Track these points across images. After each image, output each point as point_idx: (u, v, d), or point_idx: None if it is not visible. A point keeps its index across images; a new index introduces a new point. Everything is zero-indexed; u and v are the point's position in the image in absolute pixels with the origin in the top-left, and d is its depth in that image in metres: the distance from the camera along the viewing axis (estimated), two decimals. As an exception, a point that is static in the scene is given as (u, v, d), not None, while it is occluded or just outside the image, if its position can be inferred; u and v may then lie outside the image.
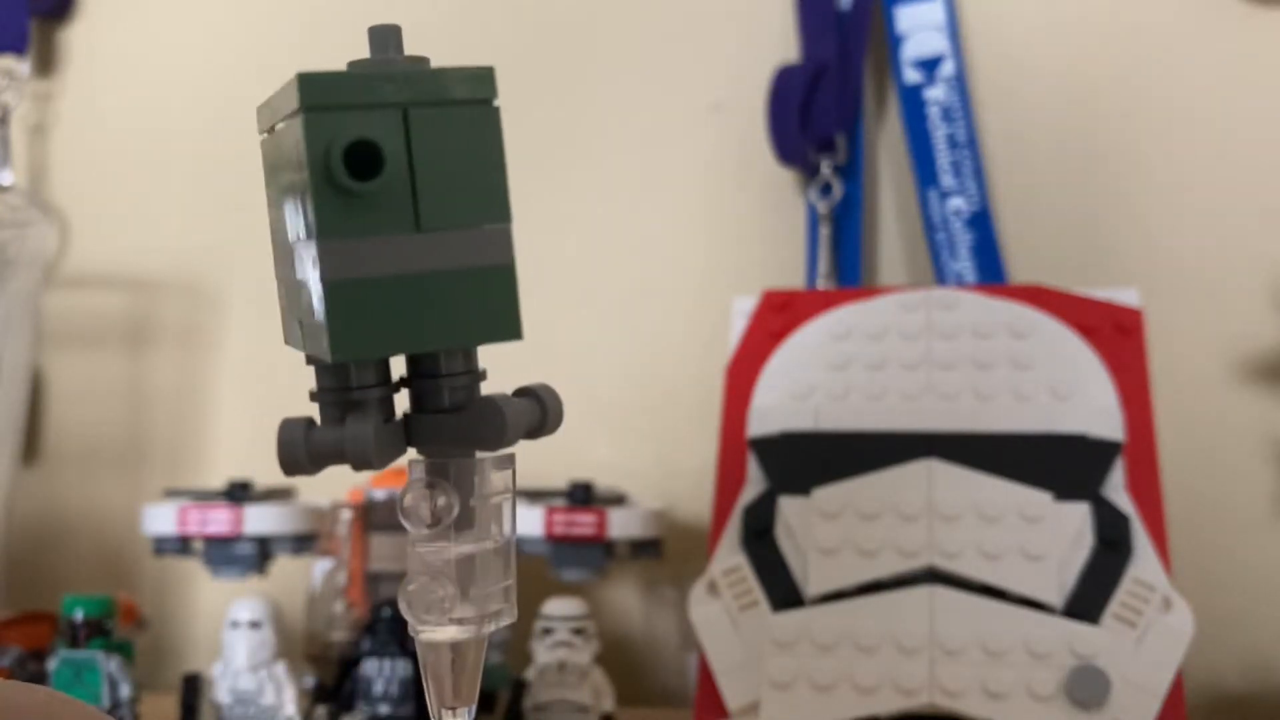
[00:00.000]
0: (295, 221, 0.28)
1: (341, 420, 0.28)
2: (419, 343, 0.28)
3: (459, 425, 0.29)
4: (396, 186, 0.27)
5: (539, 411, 0.30)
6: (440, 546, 0.29)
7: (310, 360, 0.29)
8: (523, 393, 0.30)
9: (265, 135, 0.30)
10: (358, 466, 0.28)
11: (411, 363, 0.30)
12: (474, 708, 0.30)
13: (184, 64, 0.78)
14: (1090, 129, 0.67)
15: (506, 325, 0.28)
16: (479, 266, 0.28)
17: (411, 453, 0.30)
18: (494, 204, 0.28)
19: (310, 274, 0.27)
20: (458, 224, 0.28)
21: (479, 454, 0.30)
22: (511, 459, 0.30)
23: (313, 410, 0.29)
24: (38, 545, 0.76)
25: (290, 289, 0.30)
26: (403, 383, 0.30)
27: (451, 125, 0.27)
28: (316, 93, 0.26)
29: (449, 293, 0.28)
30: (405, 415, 0.30)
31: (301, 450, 0.28)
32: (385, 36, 0.28)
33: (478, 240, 0.28)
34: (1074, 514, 0.49)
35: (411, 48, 0.29)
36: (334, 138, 0.26)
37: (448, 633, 0.30)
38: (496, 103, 0.28)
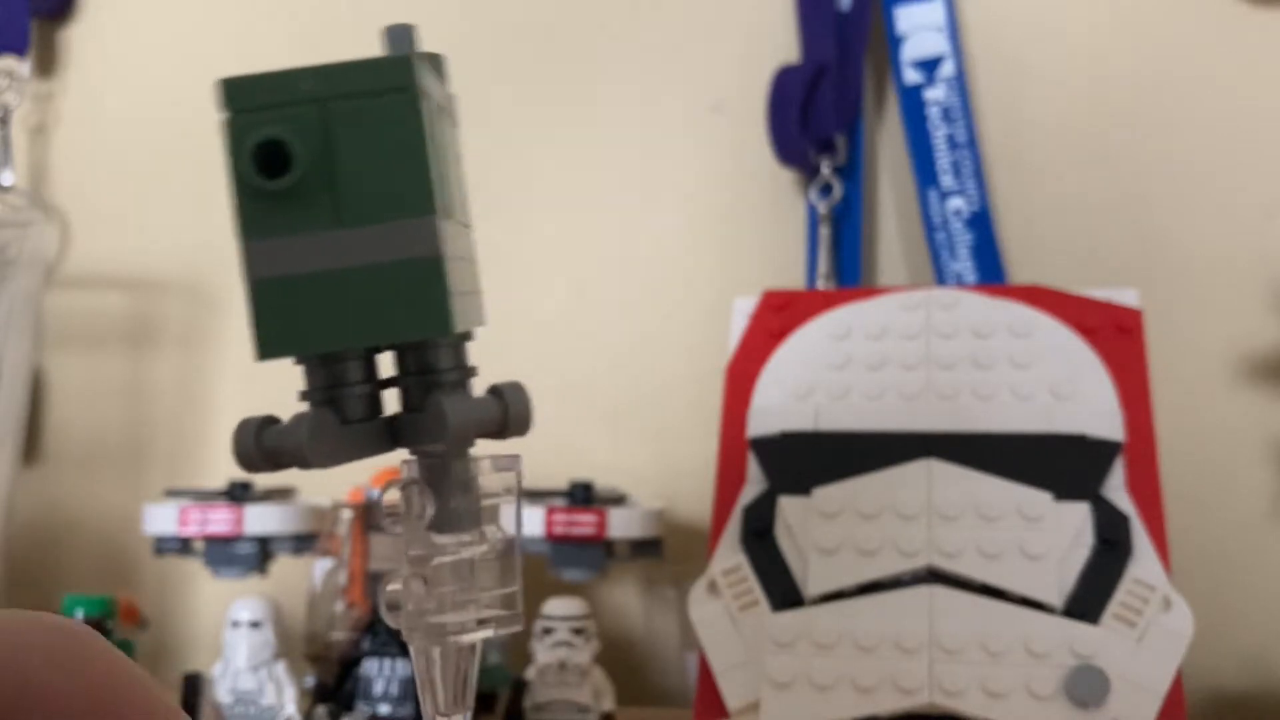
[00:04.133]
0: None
1: (332, 418, 0.28)
2: (344, 338, 0.28)
3: (416, 425, 0.29)
4: (315, 183, 0.27)
5: (499, 410, 0.29)
6: (434, 548, 0.29)
7: (298, 360, 0.29)
8: (492, 391, 0.29)
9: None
10: (299, 465, 0.28)
11: (400, 359, 0.29)
12: (469, 715, 0.30)
13: (184, 64, 0.78)
14: (1090, 129, 0.67)
15: (436, 318, 0.27)
16: (404, 259, 0.27)
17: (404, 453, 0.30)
18: (417, 196, 0.27)
19: (242, 272, 0.27)
20: (381, 218, 0.27)
21: (473, 453, 0.29)
22: (516, 460, 0.30)
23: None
24: (38, 545, 0.76)
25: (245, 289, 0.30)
26: (389, 382, 0.30)
27: (371, 117, 0.27)
28: (235, 96, 0.27)
29: (375, 287, 0.27)
30: (393, 415, 0.29)
31: (252, 448, 0.28)
32: (401, 36, 0.28)
33: (402, 233, 0.27)
34: (1074, 514, 0.49)
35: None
36: (245, 138, 0.27)
37: (444, 636, 0.29)
38: (414, 90, 0.27)
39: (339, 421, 0.28)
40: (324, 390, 0.29)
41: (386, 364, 0.30)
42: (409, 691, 0.54)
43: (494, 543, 0.30)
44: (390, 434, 0.29)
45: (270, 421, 0.29)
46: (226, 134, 0.27)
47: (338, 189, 0.27)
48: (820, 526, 0.50)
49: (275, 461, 0.28)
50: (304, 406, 0.29)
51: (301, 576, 0.61)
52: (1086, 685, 0.45)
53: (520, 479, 0.30)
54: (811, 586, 0.49)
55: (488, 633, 0.30)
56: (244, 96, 0.27)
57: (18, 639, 0.21)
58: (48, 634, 0.22)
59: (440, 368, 0.29)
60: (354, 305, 0.27)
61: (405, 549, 0.29)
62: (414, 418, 0.29)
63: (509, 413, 0.29)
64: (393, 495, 0.29)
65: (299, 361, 0.29)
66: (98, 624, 0.56)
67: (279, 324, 0.27)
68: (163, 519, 0.60)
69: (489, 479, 0.30)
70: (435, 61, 0.29)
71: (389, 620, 0.29)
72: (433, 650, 0.29)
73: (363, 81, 0.27)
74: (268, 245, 0.27)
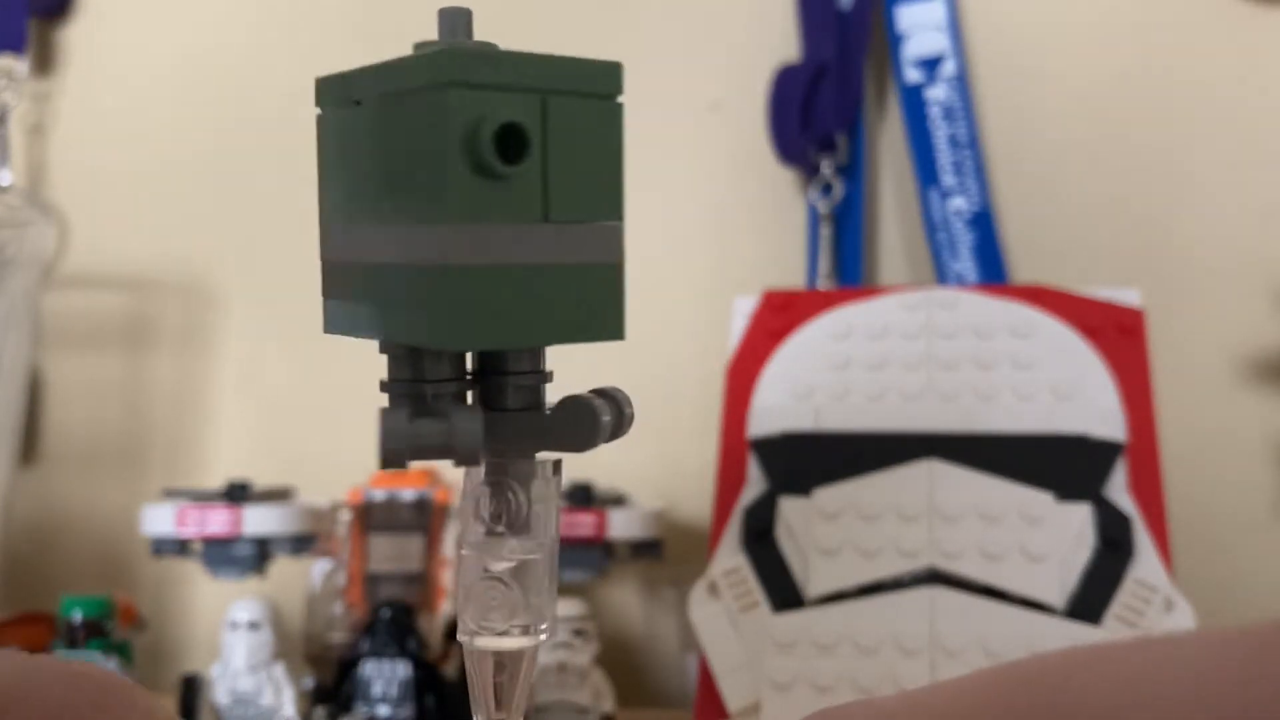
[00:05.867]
0: (402, 201, 0.27)
1: (427, 413, 0.27)
2: (530, 336, 0.27)
3: (547, 425, 0.28)
4: (531, 174, 0.26)
5: (617, 414, 0.29)
6: (502, 551, 0.28)
7: (384, 349, 0.28)
8: (599, 394, 0.29)
9: (337, 108, 0.29)
10: (462, 461, 0.27)
11: (480, 359, 0.29)
12: (521, 718, 0.29)
13: (184, 64, 0.78)
14: (1092, 129, 0.67)
15: (611, 325, 0.28)
16: (594, 263, 0.27)
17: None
18: (612, 200, 0.27)
19: (424, 256, 0.26)
20: (580, 217, 0.27)
21: (539, 457, 0.29)
22: (560, 465, 0.29)
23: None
24: (36, 545, 0.76)
25: (370, 273, 0.28)
26: (474, 379, 0.29)
27: (583, 117, 0.27)
28: (461, 68, 0.26)
29: (564, 287, 0.27)
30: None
31: (404, 441, 0.27)
32: (455, 20, 0.27)
33: (595, 236, 0.27)
34: (1075, 515, 0.49)
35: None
36: (483, 117, 0.25)
37: (505, 641, 0.29)
38: (621, 99, 0.28)
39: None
40: (454, 384, 0.28)
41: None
42: (408, 693, 0.54)
43: (548, 546, 0.29)
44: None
45: (412, 415, 0.27)
46: (453, 107, 0.25)
47: (548, 183, 0.26)
48: (821, 527, 0.50)
49: (424, 456, 0.27)
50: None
51: (300, 577, 0.61)
52: (1088, 687, 0.45)
53: (560, 483, 0.30)
54: (812, 587, 0.49)
55: (544, 636, 0.29)
56: (470, 71, 0.26)
57: (61, 693, 0.21)
58: (92, 688, 0.22)
59: (545, 370, 0.29)
60: (544, 303, 0.27)
61: (478, 552, 0.28)
62: (518, 417, 0.28)
63: (623, 416, 0.29)
64: (478, 495, 0.28)
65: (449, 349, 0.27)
66: (96, 625, 0.56)
67: (471, 313, 0.26)
68: (160, 519, 0.60)
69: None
70: None
71: (466, 621, 0.29)
72: (489, 654, 0.29)
73: (582, 80, 0.27)
74: (475, 230, 0.26)
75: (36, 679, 0.21)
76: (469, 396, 0.29)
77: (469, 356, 0.29)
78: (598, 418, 0.28)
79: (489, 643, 0.29)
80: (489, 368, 0.29)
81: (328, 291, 0.30)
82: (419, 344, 0.27)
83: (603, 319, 0.28)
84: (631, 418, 0.29)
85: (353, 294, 0.29)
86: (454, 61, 0.25)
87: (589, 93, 0.27)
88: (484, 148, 0.25)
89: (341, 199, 0.29)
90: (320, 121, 0.30)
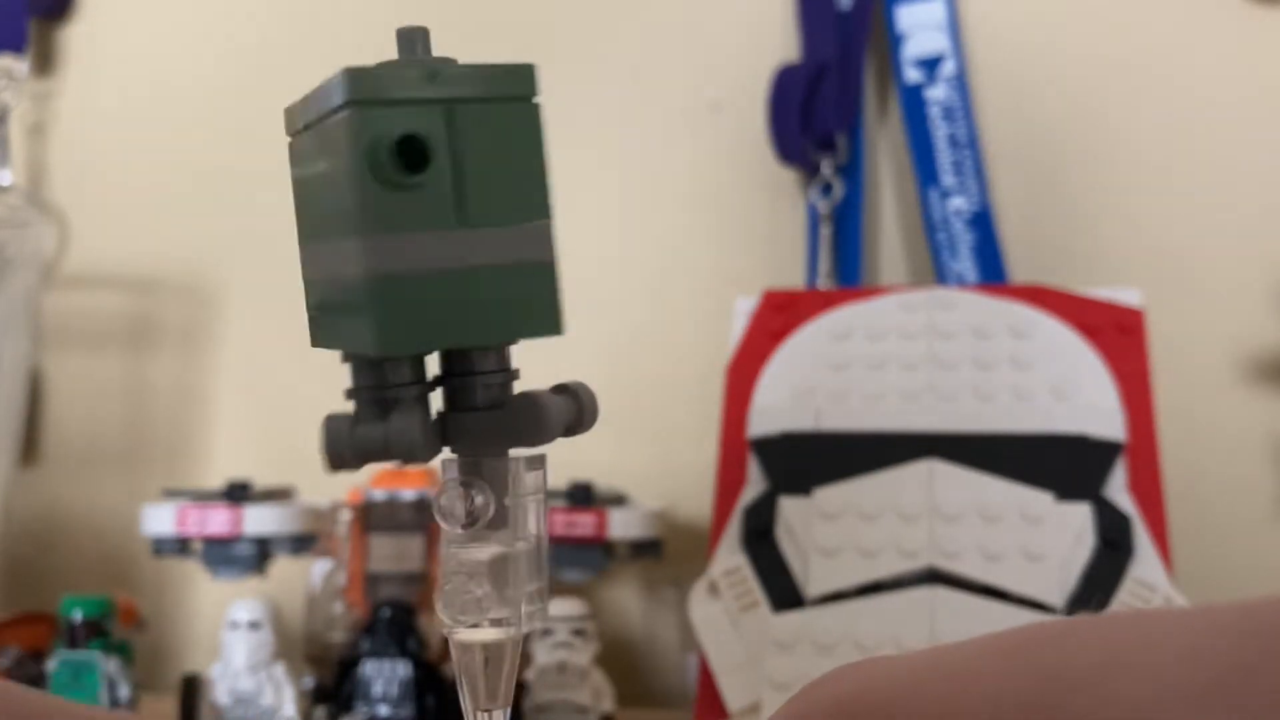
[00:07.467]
0: (335, 218, 0.28)
1: (382, 417, 0.28)
2: (462, 337, 0.28)
3: (499, 422, 0.29)
4: (441, 182, 0.27)
5: (576, 408, 0.30)
6: (476, 546, 0.29)
7: (347, 358, 0.29)
8: (559, 390, 0.30)
9: (295, 136, 0.30)
10: (404, 461, 0.28)
11: (446, 360, 0.29)
12: (509, 710, 0.30)
13: (183, 64, 0.78)
14: (1091, 128, 0.67)
15: (548, 321, 0.28)
16: (521, 262, 0.28)
17: (445, 452, 0.30)
18: (536, 200, 0.28)
19: (353, 269, 0.27)
20: (501, 220, 0.28)
21: (512, 453, 0.30)
22: (543, 459, 0.30)
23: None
24: (37, 545, 0.76)
25: (324, 287, 0.30)
26: (437, 381, 0.30)
27: (494, 121, 0.28)
28: (364, 87, 0.27)
29: (492, 288, 0.28)
30: (440, 413, 0.30)
31: (346, 446, 0.28)
32: (413, 37, 0.28)
33: (520, 236, 0.28)
34: (1075, 514, 0.49)
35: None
36: (383, 131, 0.26)
37: (483, 633, 0.29)
38: (537, 99, 0.28)
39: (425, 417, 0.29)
40: (415, 387, 0.29)
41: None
42: (408, 692, 0.54)
43: (529, 540, 0.30)
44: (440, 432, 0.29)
45: (354, 420, 0.28)
46: (355, 125, 0.26)
47: (463, 189, 0.27)
48: (821, 527, 0.50)
49: (367, 459, 0.28)
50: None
51: (300, 577, 0.61)
52: (1088, 686, 0.45)
53: (546, 478, 0.31)
54: (812, 587, 0.49)
55: (527, 626, 0.30)
56: (372, 88, 0.27)
57: None
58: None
59: (511, 368, 0.30)
60: (472, 304, 0.28)
61: (457, 548, 0.29)
62: (475, 416, 0.29)
63: (583, 410, 0.30)
64: (450, 494, 0.29)
65: (385, 357, 0.28)
66: (96, 625, 0.56)
67: (401, 320, 0.27)
68: (161, 519, 0.60)
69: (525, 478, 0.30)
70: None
71: (442, 615, 0.29)
72: (476, 646, 0.30)
73: (488, 86, 0.28)
74: (390, 240, 0.27)
75: None
76: (428, 399, 0.30)
77: (432, 359, 0.30)
78: (546, 411, 0.29)
79: (467, 635, 0.29)
80: (454, 369, 0.29)
81: (307, 308, 0.31)
82: (363, 351, 0.28)
83: (539, 315, 0.28)
84: (595, 412, 0.30)
85: (319, 309, 0.30)
86: (356, 81, 0.27)
87: (500, 96, 0.28)
88: (385, 160, 0.26)
89: (302, 220, 0.30)
90: (290, 148, 0.31)
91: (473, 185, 0.27)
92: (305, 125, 0.29)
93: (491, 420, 0.29)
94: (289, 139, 0.31)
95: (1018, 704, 0.22)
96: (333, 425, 0.28)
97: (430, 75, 0.27)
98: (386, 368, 0.29)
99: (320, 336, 0.31)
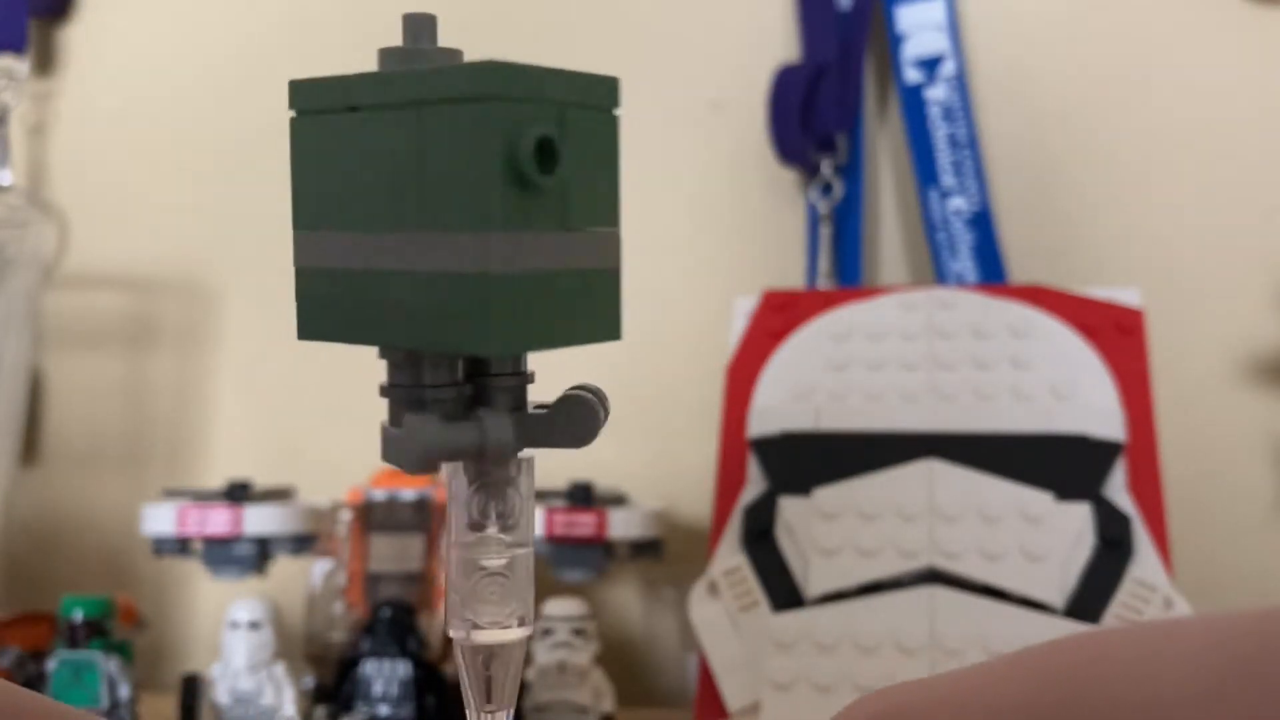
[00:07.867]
0: (420, 209, 0.27)
1: (465, 416, 0.28)
2: (560, 338, 0.28)
3: (554, 422, 0.29)
4: (558, 184, 0.27)
5: (602, 411, 0.30)
6: (493, 548, 0.29)
7: (383, 354, 0.29)
8: (588, 391, 0.30)
9: (313, 115, 0.29)
10: (496, 461, 0.29)
11: (472, 363, 0.30)
12: (513, 711, 0.30)
13: (184, 64, 0.78)
14: (1091, 128, 0.67)
15: (611, 326, 0.29)
16: (598, 267, 0.29)
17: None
18: (613, 207, 0.29)
19: (468, 265, 0.26)
20: (590, 225, 0.28)
21: (524, 454, 0.30)
22: (533, 463, 0.31)
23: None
24: (37, 545, 0.76)
25: (358, 280, 0.28)
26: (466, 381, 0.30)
27: (591, 128, 0.28)
28: (501, 82, 0.26)
29: (577, 292, 0.28)
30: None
31: (439, 446, 0.28)
32: (419, 25, 0.28)
33: (599, 242, 0.29)
34: (1075, 514, 0.49)
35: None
36: (525, 130, 0.26)
37: (493, 635, 0.30)
38: (618, 111, 0.29)
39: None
40: (453, 389, 0.29)
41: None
42: (408, 692, 0.54)
43: (530, 542, 0.30)
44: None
45: (435, 421, 0.28)
46: (497, 120, 0.26)
47: (568, 193, 0.28)
48: (821, 527, 0.50)
49: (455, 459, 0.29)
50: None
51: (300, 577, 0.61)
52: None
53: (533, 481, 0.31)
54: (812, 587, 0.49)
55: (530, 628, 0.30)
56: (513, 86, 0.26)
57: None
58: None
59: (524, 370, 0.30)
60: (564, 307, 0.28)
61: (469, 550, 0.29)
62: (516, 418, 0.29)
63: (606, 414, 0.31)
64: (469, 495, 0.29)
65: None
66: (96, 624, 0.56)
67: (515, 319, 0.27)
68: (161, 519, 0.60)
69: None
70: None
71: (452, 618, 0.30)
72: (482, 650, 0.30)
73: (587, 93, 0.28)
74: (514, 239, 0.27)
75: None
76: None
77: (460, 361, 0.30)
78: (597, 414, 0.29)
79: (487, 636, 0.29)
80: (475, 371, 0.29)
81: (305, 298, 0.30)
82: (452, 351, 0.28)
83: (605, 321, 0.29)
84: (609, 413, 0.31)
85: (351, 300, 0.29)
86: (495, 75, 0.26)
87: (595, 105, 0.28)
88: (524, 160, 0.26)
89: (332, 205, 0.29)
90: (297, 126, 0.30)
91: (575, 190, 0.28)
92: (355, 106, 0.28)
93: (545, 421, 0.29)
94: (295, 115, 0.29)
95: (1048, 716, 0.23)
96: (418, 426, 0.28)
97: (549, 75, 0.27)
98: (427, 366, 0.28)
99: (330, 330, 0.30)
